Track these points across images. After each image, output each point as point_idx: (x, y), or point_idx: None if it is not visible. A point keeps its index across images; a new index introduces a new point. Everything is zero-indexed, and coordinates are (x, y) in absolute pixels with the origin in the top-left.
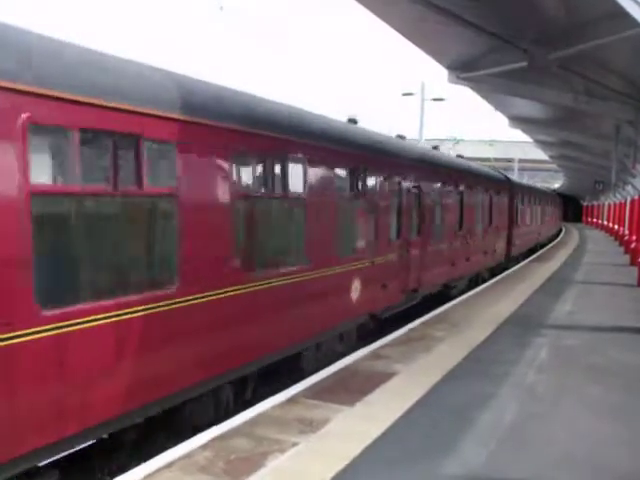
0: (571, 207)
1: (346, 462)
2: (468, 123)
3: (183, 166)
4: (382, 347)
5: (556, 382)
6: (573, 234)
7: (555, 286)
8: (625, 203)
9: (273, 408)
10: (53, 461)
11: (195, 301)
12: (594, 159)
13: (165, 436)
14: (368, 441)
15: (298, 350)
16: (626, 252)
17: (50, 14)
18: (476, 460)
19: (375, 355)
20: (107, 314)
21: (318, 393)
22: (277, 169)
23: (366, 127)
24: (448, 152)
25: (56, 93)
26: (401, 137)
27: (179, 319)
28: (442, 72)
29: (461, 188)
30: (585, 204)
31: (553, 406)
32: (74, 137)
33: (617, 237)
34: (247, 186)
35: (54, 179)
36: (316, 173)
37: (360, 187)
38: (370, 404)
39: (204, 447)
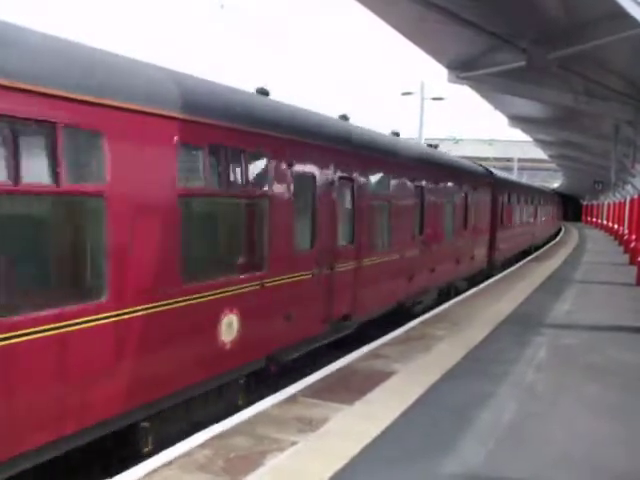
0: (571, 206)
1: (345, 461)
2: (467, 122)
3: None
4: (381, 346)
5: (555, 381)
6: (572, 233)
7: (555, 285)
8: (624, 203)
9: (272, 407)
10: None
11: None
12: (593, 159)
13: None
14: (367, 440)
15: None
16: (625, 251)
17: (49, 13)
18: (475, 459)
19: (374, 354)
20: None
21: (317, 392)
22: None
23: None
24: (447, 151)
25: None
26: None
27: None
28: (442, 71)
29: (422, 183)
30: (585, 203)
31: (552, 405)
32: None
33: (616, 236)
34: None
35: None
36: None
37: (241, 177)
38: (369, 403)
39: (203, 445)
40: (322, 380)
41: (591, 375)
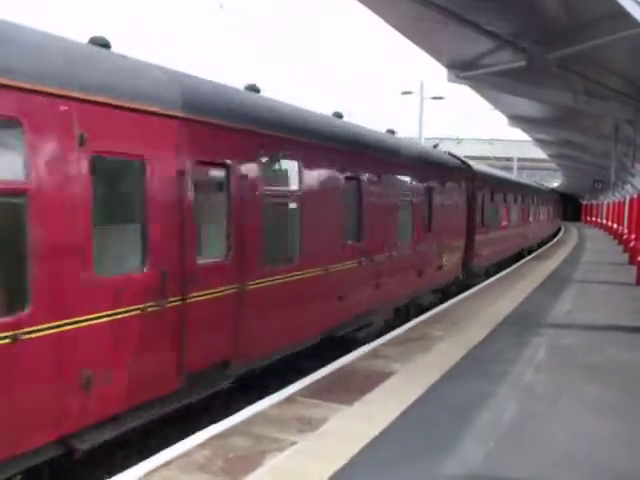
0: (570, 206)
1: (344, 461)
2: (467, 122)
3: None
4: (380, 347)
5: (554, 381)
6: (572, 233)
7: (554, 284)
8: (624, 202)
9: (271, 407)
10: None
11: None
12: (593, 158)
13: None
14: (366, 440)
15: None
16: (625, 251)
17: (49, 13)
18: (475, 459)
19: (373, 354)
20: None
21: (316, 392)
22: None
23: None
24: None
25: None
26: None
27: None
28: (441, 71)
29: (359, 175)
30: (584, 203)
31: (551, 405)
32: None
33: (616, 236)
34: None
35: None
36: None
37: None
38: (369, 403)
39: (203, 445)
40: (321, 380)
41: (591, 375)
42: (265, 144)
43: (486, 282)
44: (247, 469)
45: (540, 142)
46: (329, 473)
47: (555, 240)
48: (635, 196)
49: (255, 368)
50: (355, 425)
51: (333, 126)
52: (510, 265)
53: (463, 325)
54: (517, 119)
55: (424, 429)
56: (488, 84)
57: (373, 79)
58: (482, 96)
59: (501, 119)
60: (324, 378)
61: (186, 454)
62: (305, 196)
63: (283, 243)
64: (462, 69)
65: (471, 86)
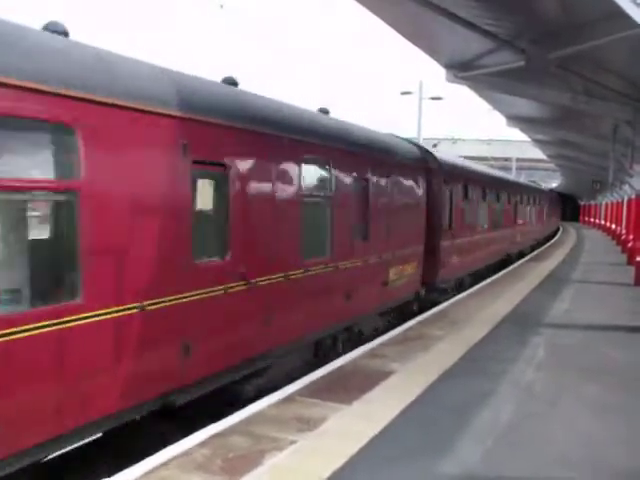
0: (569, 206)
1: (344, 460)
2: (466, 122)
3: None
4: (380, 346)
5: (553, 380)
6: (570, 233)
7: (553, 285)
8: (622, 203)
9: (270, 406)
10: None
11: None
12: (592, 159)
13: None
14: (366, 439)
15: None
16: (623, 251)
17: (49, 12)
18: (473, 458)
19: (373, 354)
20: None
21: (315, 392)
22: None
23: None
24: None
25: None
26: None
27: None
28: (440, 71)
29: (230, 161)
30: (583, 203)
31: (550, 404)
32: None
33: (614, 236)
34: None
35: None
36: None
37: None
38: (368, 403)
39: (202, 445)
40: (320, 380)
41: (589, 375)
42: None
43: (486, 282)
44: (246, 468)
45: (539, 142)
46: (328, 472)
47: (552, 241)
48: (633, 197)
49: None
50: (354, 424)
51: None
52: (496, 272)
53: (462, 325)
54: (516, 119)
55: (423, 428)
56: (487, 84)
57: (372, 79)
58: (481, 96)
59: (500, 119)
60: (323, 377)
61: (185, 453)
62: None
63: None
64: (461, 69)
65: (470, 86)
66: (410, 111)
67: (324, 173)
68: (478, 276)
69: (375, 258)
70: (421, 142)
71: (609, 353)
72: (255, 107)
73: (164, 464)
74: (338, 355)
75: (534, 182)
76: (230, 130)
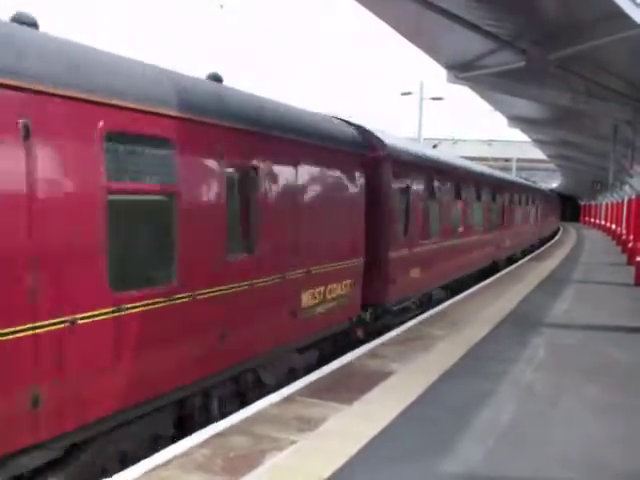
0: (569, 207)
1: (344, 460)
2: (467, 123)
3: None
4: (380, 346)
5: (553, 380)
6: (571, 233)
7: (553, 285)
8: (622, 203)
9: (271, 406)
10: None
11: None
12: (592, 159)
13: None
14: (366, 439)
15: None
16: (623, 251)
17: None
18: (474, 458)
19: (373, 354)
20: None
21: (316, 392)
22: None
23: None
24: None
25: None
26: None
27: None
28: (441, 72)
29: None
30: (583, 204)
31: (550, 404)
32: None
33: (614, 237)
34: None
35: None
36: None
37: None
38: (368, 403)
39: (202, 445)
40: (321, 380)
41: (590, 375)
42: None
43: (486, 282)
44: (247, 468)
45: (539, 143)
46: (329, 472)
47: (552, 242)
48: (633, 197)
49: None
50: (355, 424)
51: None
52: (477, 282)
53: (462, 325)
54: (516, 120)
55: (424, 428)
56: (487, 85)
57: (373, 80)
58: (481, 97)
59: (500, 120)
60: (324, 377)
61: (186, 453)
62: None
63: None
64: (461, 70)
65: (470, 87)
66: (411, 112)
67: (159, 155)
68: (451, 290)
69: (271, 280)
70: (421, 142)
71: (610, 353)
72: None
73: (165, 464)
74: (213, 419)
75: (527, 179)
76: None
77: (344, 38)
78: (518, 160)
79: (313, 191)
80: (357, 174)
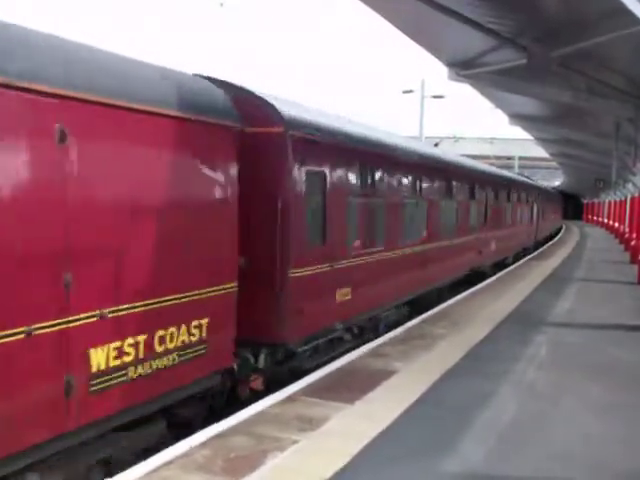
0: (572, 205)
1: (346, 460)
2: (468, 121)
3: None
4: (382, 345)
5: (555, 380)
6: (573, 231)
7: (555, 283)
8: (625, 201)
9: (272, 406)
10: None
11: None
12: (595, 157)
13: None
14: (368, 439)
15: None
16: (626, 250)
17: (48, 12)
18: (475, 457)
19: (374, 353)
20: None
21: (318, 391)
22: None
23: None
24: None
25: None
26: None
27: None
28: (442, 70)
29: None
30: (586, 202)
31: (552, 404)
32: None
33: (617, 235)
34: None
35: None
36: None
37: None
38: (370, 402)
39: (203, 445)
40: (322, 379)
41: (592, 374)
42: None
43: (487, 281)
44: (248, 468)
45: (541, 141)
46: (331, 472)
47: (554, 240)
48: (636, 195)
49: None
50: (356, 424)
51: None
52: (452, 295)
53: (464, 324)
54: (518, 117)
55: (425, 428)
56: (489, 82)
57: (374, 77)
58: (483, 95)
59: (502, 118)
60: (325, 377)
61: (186, 454)
62: None
63: None
64: (463, 67)
65: (472, 84)
66: (412, 110)
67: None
68: (432, 301)
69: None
70: (423, 140)
71: (612, 352)
72: None
73: (165, 464)
74: None
75: (526, 176)
76: None
77: (345, 36)
78: (520, 158)
79: (116, 184)
80: (223, 157)
